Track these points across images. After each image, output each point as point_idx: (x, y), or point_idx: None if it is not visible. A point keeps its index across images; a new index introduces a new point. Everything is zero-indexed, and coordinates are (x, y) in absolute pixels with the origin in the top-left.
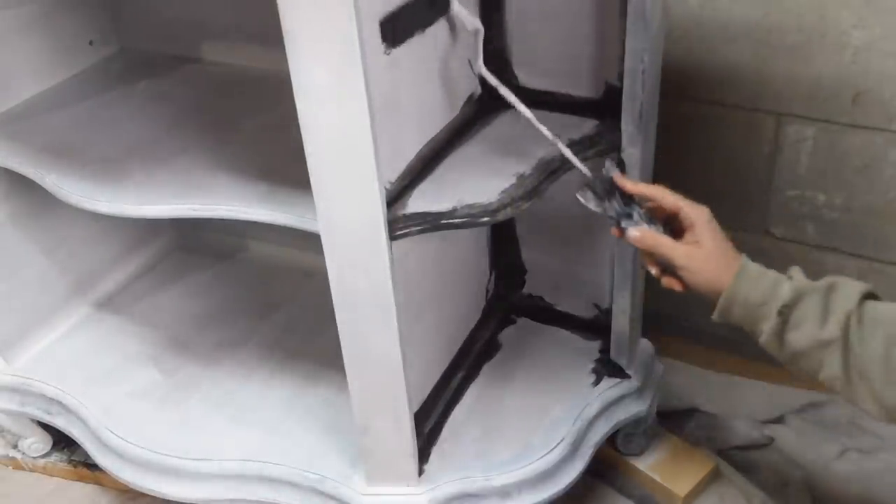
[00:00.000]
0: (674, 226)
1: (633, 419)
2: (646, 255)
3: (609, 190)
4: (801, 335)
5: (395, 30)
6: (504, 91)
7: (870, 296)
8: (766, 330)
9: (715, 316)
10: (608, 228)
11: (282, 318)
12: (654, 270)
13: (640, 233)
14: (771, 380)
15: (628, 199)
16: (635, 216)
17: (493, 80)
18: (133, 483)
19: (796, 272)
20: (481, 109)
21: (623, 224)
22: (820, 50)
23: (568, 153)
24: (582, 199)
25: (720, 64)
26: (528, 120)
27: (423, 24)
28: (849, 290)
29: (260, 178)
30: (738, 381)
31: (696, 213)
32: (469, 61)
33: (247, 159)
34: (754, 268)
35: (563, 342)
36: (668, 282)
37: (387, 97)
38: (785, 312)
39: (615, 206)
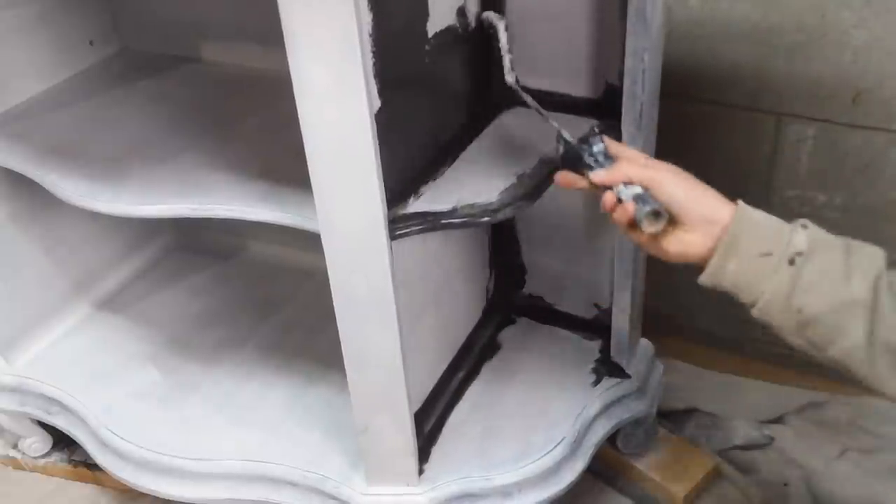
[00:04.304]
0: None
1: (633, 419)
2: (628, 227)
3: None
4: (818, 295)
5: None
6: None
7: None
8: (769, 290)
9: (706, 273)
10: (608, 228)
11: (282, 318)
12: (641, 237)
13: (603, 173)
14: (771, 380)
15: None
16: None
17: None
18: (133, 483)
19: (808, 223)
20: (481, 109)
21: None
22: (820, 50)
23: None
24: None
25: (720, 64)
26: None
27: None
28: (871, 250)
29: (260, 177)
30: (738, 381)
31: (660, 173)
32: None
33: (247, 159)
34: (757, 212)
35: (563, 342)
36: (655, 246)
37: None
38: (798, 263)
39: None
